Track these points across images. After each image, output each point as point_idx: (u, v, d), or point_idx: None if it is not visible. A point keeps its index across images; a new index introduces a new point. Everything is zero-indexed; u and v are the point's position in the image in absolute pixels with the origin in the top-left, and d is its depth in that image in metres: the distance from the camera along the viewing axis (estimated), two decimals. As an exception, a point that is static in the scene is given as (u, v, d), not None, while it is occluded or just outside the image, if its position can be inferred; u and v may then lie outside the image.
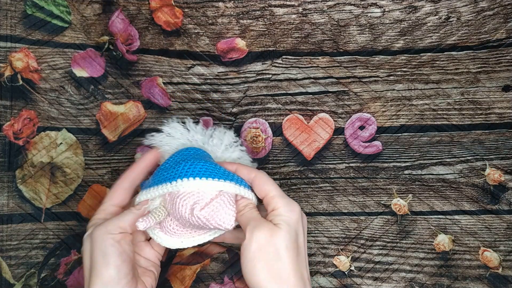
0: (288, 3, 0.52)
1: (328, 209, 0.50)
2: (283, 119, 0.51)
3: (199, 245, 0.40)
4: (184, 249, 0.48)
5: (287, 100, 0.51)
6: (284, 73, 0.52)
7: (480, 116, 0.51)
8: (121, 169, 0.50)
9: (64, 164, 0.50)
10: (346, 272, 0.49)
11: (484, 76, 0.51)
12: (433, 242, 0.49)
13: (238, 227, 0.39)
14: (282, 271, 0.35)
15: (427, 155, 0.50)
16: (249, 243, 0.35)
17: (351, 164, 0.51)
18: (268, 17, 0.52)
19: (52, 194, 0.50)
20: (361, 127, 0.51)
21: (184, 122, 0.44)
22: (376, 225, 0.50)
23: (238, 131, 0.51)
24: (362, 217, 0.50)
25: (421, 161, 0.50)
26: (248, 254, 0.35)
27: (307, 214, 0.50)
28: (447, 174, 0.50)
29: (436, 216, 0.50)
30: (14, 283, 0.48)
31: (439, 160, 0.50)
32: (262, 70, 0.52)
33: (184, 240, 0.40)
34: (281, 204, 0.38)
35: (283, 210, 0.37)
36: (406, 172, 0.50)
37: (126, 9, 0.52)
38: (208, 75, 0.52)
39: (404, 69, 0.51)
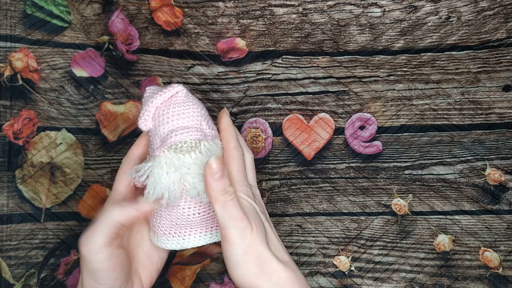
0: (288, 3, 0.52)
1: (328, 209, 0.50)
2: (283, 119, 0.51)
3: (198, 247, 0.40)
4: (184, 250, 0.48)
5: (287, 100, 0.51)
6: (284, 73, 0.51)
7: (480, 116, 0.51)
8: (121, 169, 0.50)
9: (64, 164, 0.50)
10: (346, 272, 0.49)
11: (484, 76, 0.51)
12: (433, 242, 0.49)
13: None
14: (268, 265, 0.35)
15: (428, 155, 0.50)
16: (233, 247, 0.35)
17: (351, 164, 0.51)
18: (268, 17, 0.52)
19: (52, 194, 0.50)
20: (361, 127, 0.51)
21: None
22: (376, 225, 0.50)
23: (238, 131, 0.51)
24: (362, 217, 0.50)
25: (422, 161, 0.50)
26: (236, 257, 0.35)
27: (307, 214, 0.50)
28: (447, 174, 0.50)
29: (436, 216, 0.50)
30: (14, 283, 0.48)
31: (440, 160, 0.50)
32: (262, 70, 0.52)
33: (180, 240, 0.38)
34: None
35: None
36: (406, 172, 0.50)
37: (126, 9, 0.52)
38: (208, 75, 0.52)
39: (405, 69, 0.51)
